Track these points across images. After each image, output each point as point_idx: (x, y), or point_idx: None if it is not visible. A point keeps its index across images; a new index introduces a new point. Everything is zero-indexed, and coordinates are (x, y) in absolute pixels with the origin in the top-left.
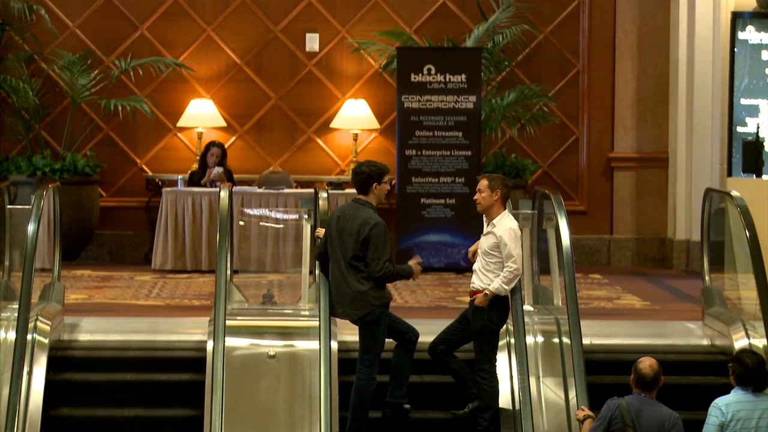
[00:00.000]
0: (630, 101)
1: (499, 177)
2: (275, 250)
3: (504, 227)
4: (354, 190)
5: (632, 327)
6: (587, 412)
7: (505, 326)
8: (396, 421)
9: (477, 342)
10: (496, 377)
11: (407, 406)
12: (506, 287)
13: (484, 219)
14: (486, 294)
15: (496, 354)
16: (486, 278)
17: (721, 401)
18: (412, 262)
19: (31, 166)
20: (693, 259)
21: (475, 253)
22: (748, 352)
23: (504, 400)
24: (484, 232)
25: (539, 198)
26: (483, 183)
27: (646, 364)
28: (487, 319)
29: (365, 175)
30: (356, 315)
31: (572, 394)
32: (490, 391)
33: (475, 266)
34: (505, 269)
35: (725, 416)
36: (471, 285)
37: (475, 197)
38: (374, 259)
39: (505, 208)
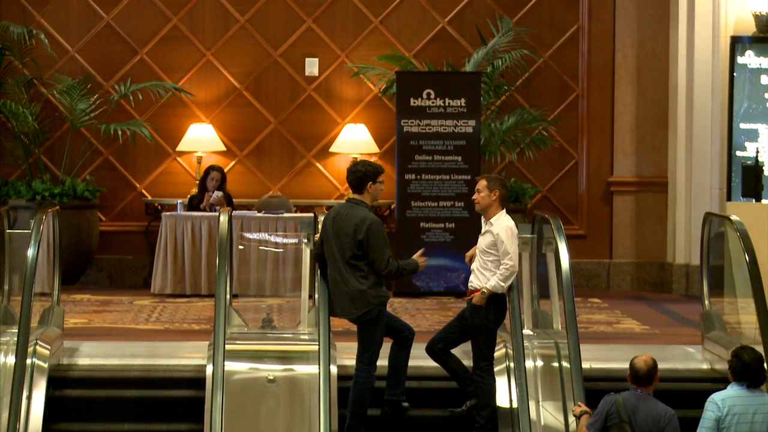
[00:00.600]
0: (629, 125)
1: (498, 178)
2: (275, 274)
3: (501, 225)
4: None
5: (632, 351)
6: (584, 408)
7: (504, 350)
8: (394, 419)
9: (475, 340)
10: (494, 375)
11: (405, 404)
12: (503, 284)
13: (483, 219)
14: (483, 292)
15: (493, 352)
16: (484, 277)
17: (717, 396)
18: (416, 256)
19: (30, 191)
20: (692, 284)
21: (471, 258)
22: (748, 348)
23: (504, 423)
24: (482, 231)
25: (539, 222)
26: (482, 183)
27: (641, 359)
28: (485, 318)
29: (361, 174)
30: (355, 314)
31: (572, 419)
32: (487, 389)
33: (474, 265)
34: (501, 266)
35: (721, 411)
36: (469, 284)
37: (473, 197)
38: (377, 259)
39: (503, 209)
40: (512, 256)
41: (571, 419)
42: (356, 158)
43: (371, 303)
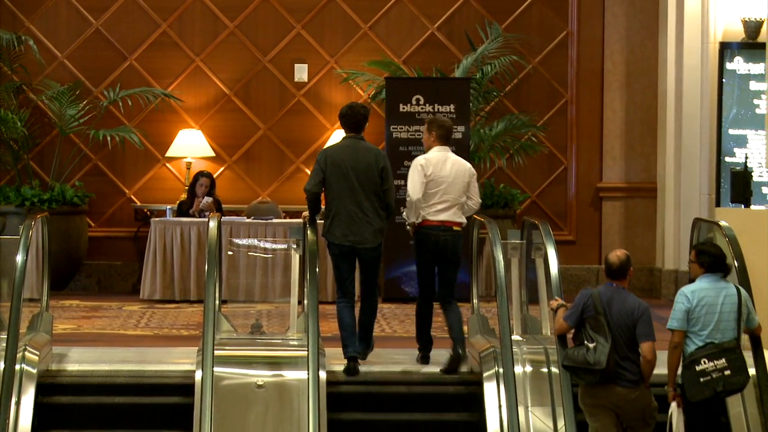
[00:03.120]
0: (618, 131)
1: (435, 120)
2: (264, 279)
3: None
4: None
5: None
6: (560, 301)
7: (493, 355)
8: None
9: None
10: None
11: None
12: (404, 215)
13: None
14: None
15: (419, 284)
16: None
17: (687, 289)
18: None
19: (19, 197)
20: None
21: None
22: (708, 243)
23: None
24: None
25: (528, 228)
26: (423, 127)
27: (614, 253)
28: (414, 250)
29: (363, 117)
30: (375, 243)
31: (561, 424)
32: None
33: None
34: None
35: (691, 303)
36: None
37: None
38: (391, 188)
39: (441, 145)
40: (408, 188)
41: (561, 424)
42: None
43: (383, 235)
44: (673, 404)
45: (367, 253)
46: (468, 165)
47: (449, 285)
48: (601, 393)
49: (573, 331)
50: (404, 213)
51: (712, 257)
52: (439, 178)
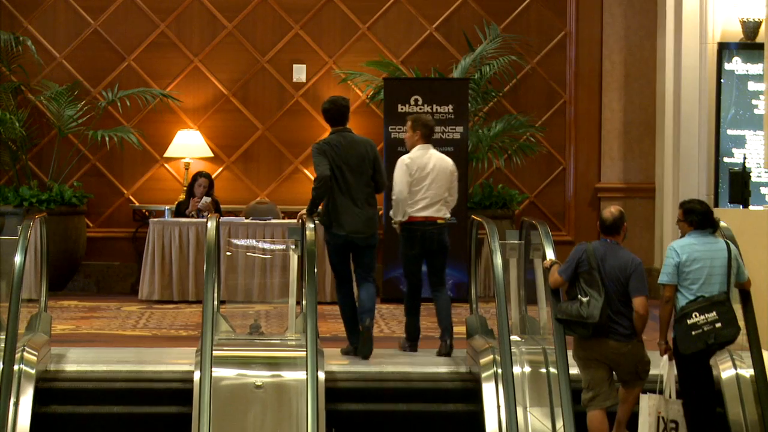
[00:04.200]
0: (617, 132)
1: (419, 118)
2: (262, 280)
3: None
4: None
5: None
6: (553, 259)
7: (492, 356)
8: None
9: None
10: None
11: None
12: (391, 213)
13: None
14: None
15: (408, 277)
16: None
17: (676, 244)
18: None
19: (18, 197)
20: None
21: None
22: (695, 201)
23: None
24: None
25: (526, 228)
26: (407, 124)
27: (608, 210)
28: (399, 245)
29: (346, 108)
30: (370, 233)
31: (559, 424)
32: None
33: None
34: None
35: (680, 257)
36: None
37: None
38: (382, 174)
39: (424, 143)
40: (394, 187)
41: (559, 425)
42: None
43: (376, 224)
44: (665, 357)
45: (361, 241)
46: (450, 161)
47: (439, 272)
48: (594, 346)
49: (567, 285)
50: (390, 212)
51: (700, 215)
52: (423, 176)
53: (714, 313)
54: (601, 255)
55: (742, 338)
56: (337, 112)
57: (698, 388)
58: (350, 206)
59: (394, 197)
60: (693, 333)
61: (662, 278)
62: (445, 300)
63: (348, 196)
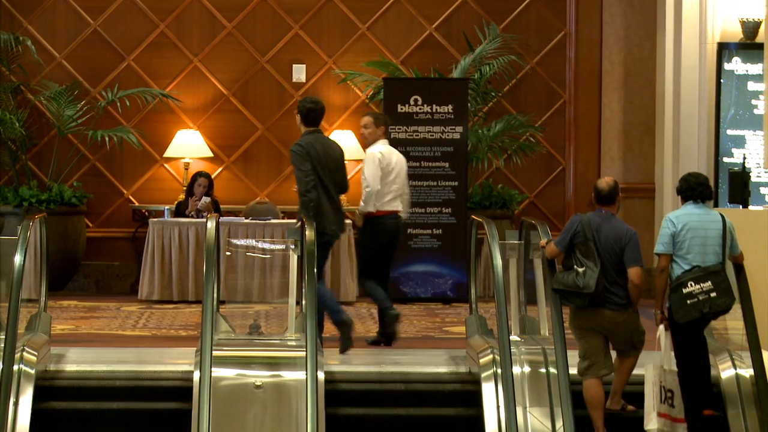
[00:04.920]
0: (616, 132)
1: (382, 114)
2: (262, 280)
3: (369, 152)
4: None
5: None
6: (549, 238)
7: (491, 356)
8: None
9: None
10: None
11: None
12: (362, 205)
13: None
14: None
15: (366, 270)
16: None
17: (672, 214)
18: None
19: (17, 197)
20: None
21: None
22: (691, 173)
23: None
24: None
25: (526, 228)
26: (368, 120)
27: (603, 180)
28: (362, 237)
29: (320, 110)
30: (344, 230)
31: (559, 424)
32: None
33: None
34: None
35: (676, 227)
36: None
37: (361, 132)
38: (345, 177)
39: (385, 139)
40: (367, 179)
41: (559, 425)
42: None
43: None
44: (661, 327)
45: (334, 240)
46: (404, 158)
47: (389, 266)
48: (590, 316)
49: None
50: (361, 203)
51: (691, 186)
52: (390, 171)
53: (709, 283)
54: (596, 226)
55: (742, 338)
56: (321, 113)
57: (693, 358)
58: (330, 208)
59: (368, 189)
60: (688, 302)
61: (658, 248)
62: (385, 287)
63: (327, 198)
